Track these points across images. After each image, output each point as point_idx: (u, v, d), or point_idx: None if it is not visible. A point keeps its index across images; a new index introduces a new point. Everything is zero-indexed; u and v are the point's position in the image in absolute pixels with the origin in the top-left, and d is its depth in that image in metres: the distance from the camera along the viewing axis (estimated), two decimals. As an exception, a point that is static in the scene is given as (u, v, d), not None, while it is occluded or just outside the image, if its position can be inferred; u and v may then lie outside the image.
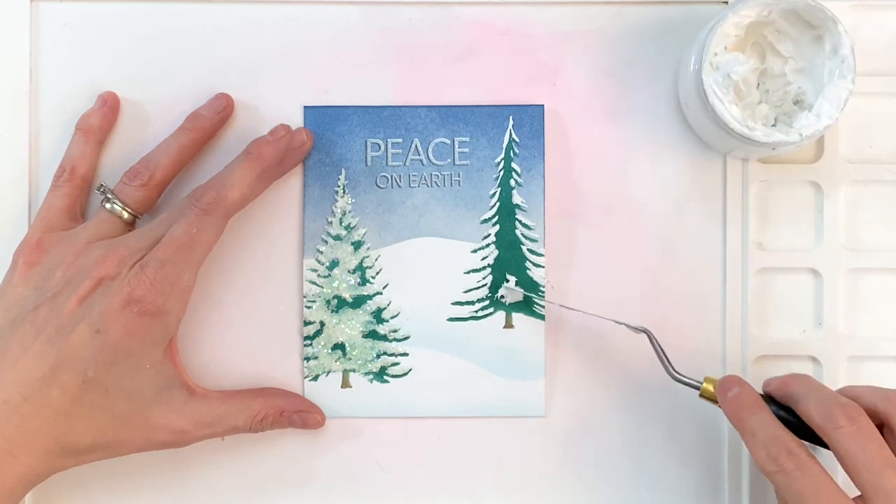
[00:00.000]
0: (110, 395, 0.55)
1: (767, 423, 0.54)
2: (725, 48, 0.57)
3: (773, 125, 0.58)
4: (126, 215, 0.58)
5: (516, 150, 0.61)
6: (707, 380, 0.57)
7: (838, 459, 0.52)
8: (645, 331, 0.58)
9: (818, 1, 0.56)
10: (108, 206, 0.58)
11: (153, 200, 0.59)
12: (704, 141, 0.61)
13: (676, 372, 0.58)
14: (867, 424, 0.52)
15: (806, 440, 0.53)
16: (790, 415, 0.54)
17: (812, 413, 0.53)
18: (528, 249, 0.61)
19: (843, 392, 0.55)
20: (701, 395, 0.57)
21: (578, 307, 0.61)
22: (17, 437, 0.54)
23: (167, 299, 0.55)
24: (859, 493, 0.51)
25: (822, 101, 0.56)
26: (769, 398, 0.55)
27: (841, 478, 0.51)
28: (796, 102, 0.58)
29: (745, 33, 0.58)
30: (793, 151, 0.60)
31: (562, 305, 0.60)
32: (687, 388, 0.58)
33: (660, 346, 0.58)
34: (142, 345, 0.55)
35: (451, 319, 0.61)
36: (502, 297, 0.61)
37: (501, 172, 0.61)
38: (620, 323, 0.59)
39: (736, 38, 0.58)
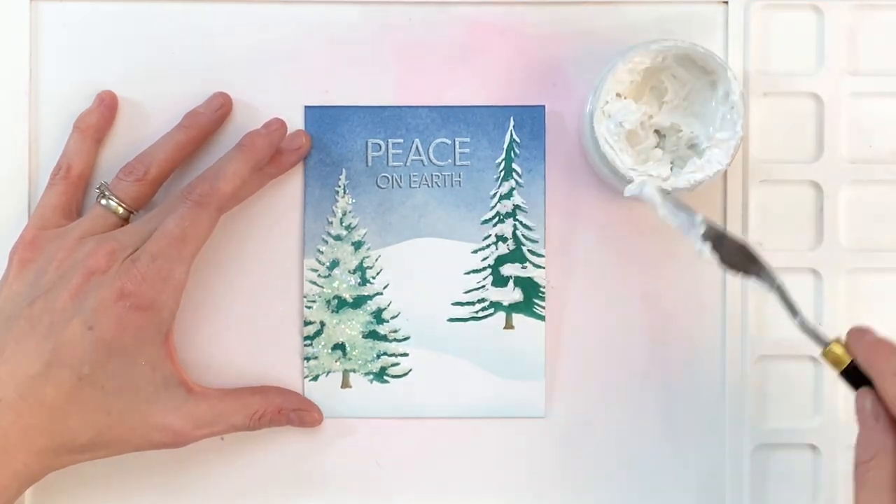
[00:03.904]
0: (106, 392, 0.55)
1: None
2: (618, 95, 0.57)
3: (670, 169, 0.57)
4: (121, 211, 0.58)
5: (517, 151, 0.61)
6: (836, 341, 0.53)
7: None
8: (777, 285, 0.54)
9: (708, 48, 0.56)
10: (103, 201, 0.58)
11: (148, 197, 0.59)
12: (602, 180, 0.61)
13: (804, 319, 0.54)
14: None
15: None
16: None
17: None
18: (528, 250, 0.61)
19: None
20: (822, 355, 0.53)
21: (578, 308, 0.61)
22: (12, 435, 0.54)
23: (159, 294, 0.55)
24: None
25: (712, 146, 0.56)
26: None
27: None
28: (690, 147, 0.58)
29: (642, 78, 0.58)
30: (694, 191, 0.58)
31: None
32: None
33: (789, 296, 0.54)
34: (135, 340, 0.55)
35: (451, 320, 0.61)
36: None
37: (502, 173, 0.61)
38: (749, 276, 0.54)
39: (632, 84, 0.58)
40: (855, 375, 0.52)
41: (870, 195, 0.62)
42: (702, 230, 0.54)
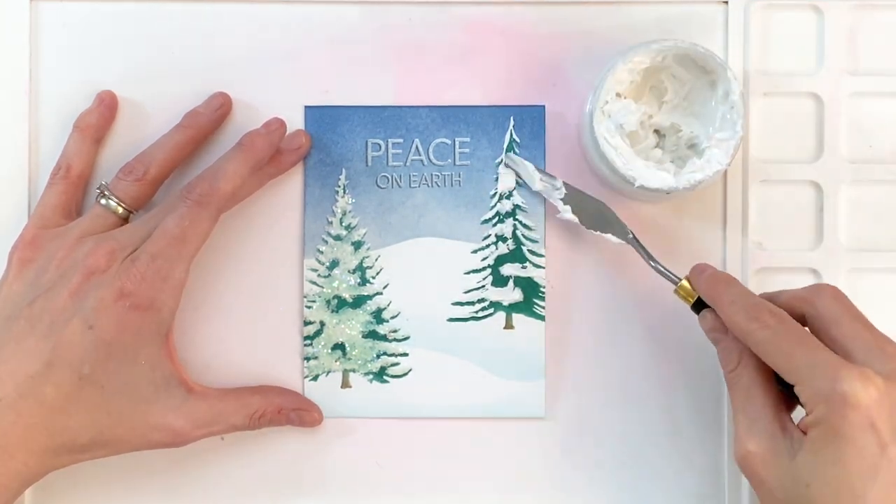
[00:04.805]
0: (106, 392, 0.55)
1: (747, 293, 0.55)
2: (618, 95, 0.57)
3: (669, 169, 0.57)
4: (121, 210, 0.58)
5: (517, 151, 0.61)
6: (686, 278, 0.57)
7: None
8: (630, 237, 0.59)
9: (708, 48, 0.56)
10: (102, 201, 0.58)
11: (148, 196, 0.59)
12: (602, 180, 0.61)
13: (657, 262, 0.58)
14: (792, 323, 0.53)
15: None
16: None
17: (737, 312, 0.54)
18: (528, 250, 0.61)
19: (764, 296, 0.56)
20: (675, 292, 0.57)
21: (578, 308, 0.61)
22: (12, 435, 0.54)
23: (159, 293, 0.55)
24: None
25: (712, 146, 0.57)
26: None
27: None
28: (690, 147, 0.58)
29: (642, 78, 0.58)
30: (695, 191, 0.58)
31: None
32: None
33: (641, 244, 0.59)
34: (135, 340, 0.55)
35: (451, 320, 0.61)
36: (505, 165, 0.61)
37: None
38: (606, 232, 0.59)
39: (632, 84, 0.58)
40: (703, 306, 0.57)
41: (870, 195, 0.62)
42: (563, 193, 0.59)
